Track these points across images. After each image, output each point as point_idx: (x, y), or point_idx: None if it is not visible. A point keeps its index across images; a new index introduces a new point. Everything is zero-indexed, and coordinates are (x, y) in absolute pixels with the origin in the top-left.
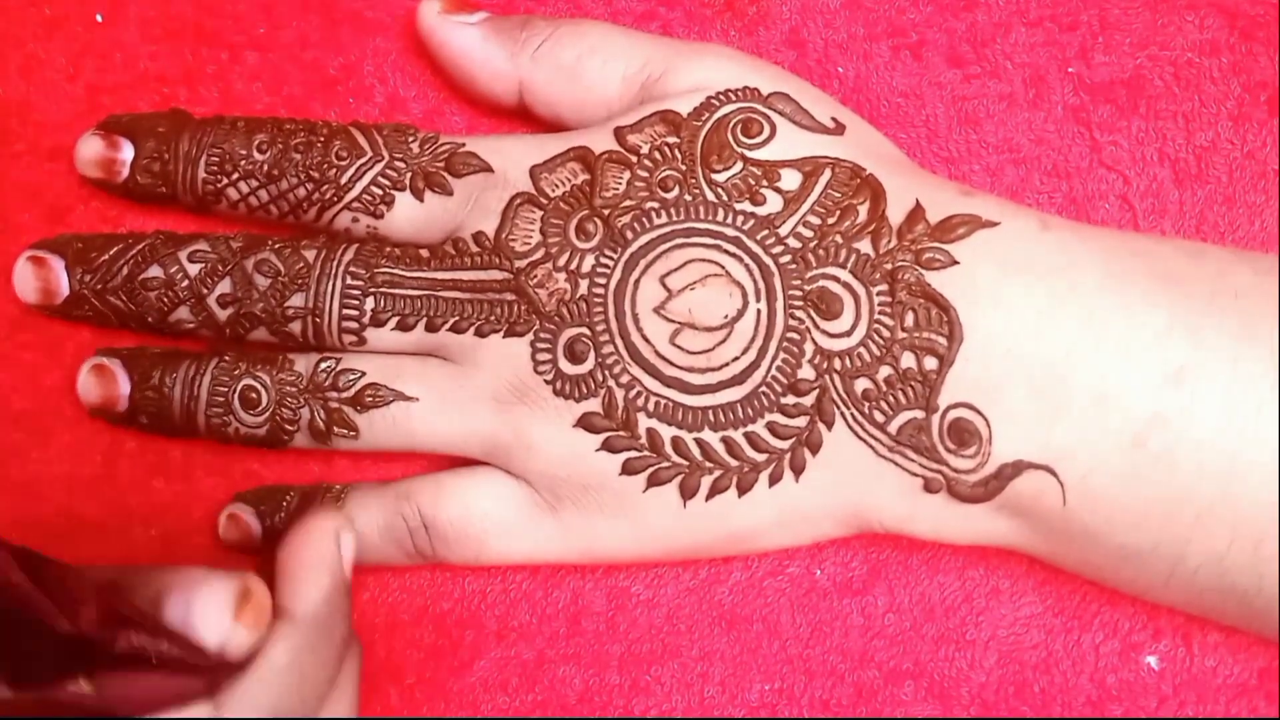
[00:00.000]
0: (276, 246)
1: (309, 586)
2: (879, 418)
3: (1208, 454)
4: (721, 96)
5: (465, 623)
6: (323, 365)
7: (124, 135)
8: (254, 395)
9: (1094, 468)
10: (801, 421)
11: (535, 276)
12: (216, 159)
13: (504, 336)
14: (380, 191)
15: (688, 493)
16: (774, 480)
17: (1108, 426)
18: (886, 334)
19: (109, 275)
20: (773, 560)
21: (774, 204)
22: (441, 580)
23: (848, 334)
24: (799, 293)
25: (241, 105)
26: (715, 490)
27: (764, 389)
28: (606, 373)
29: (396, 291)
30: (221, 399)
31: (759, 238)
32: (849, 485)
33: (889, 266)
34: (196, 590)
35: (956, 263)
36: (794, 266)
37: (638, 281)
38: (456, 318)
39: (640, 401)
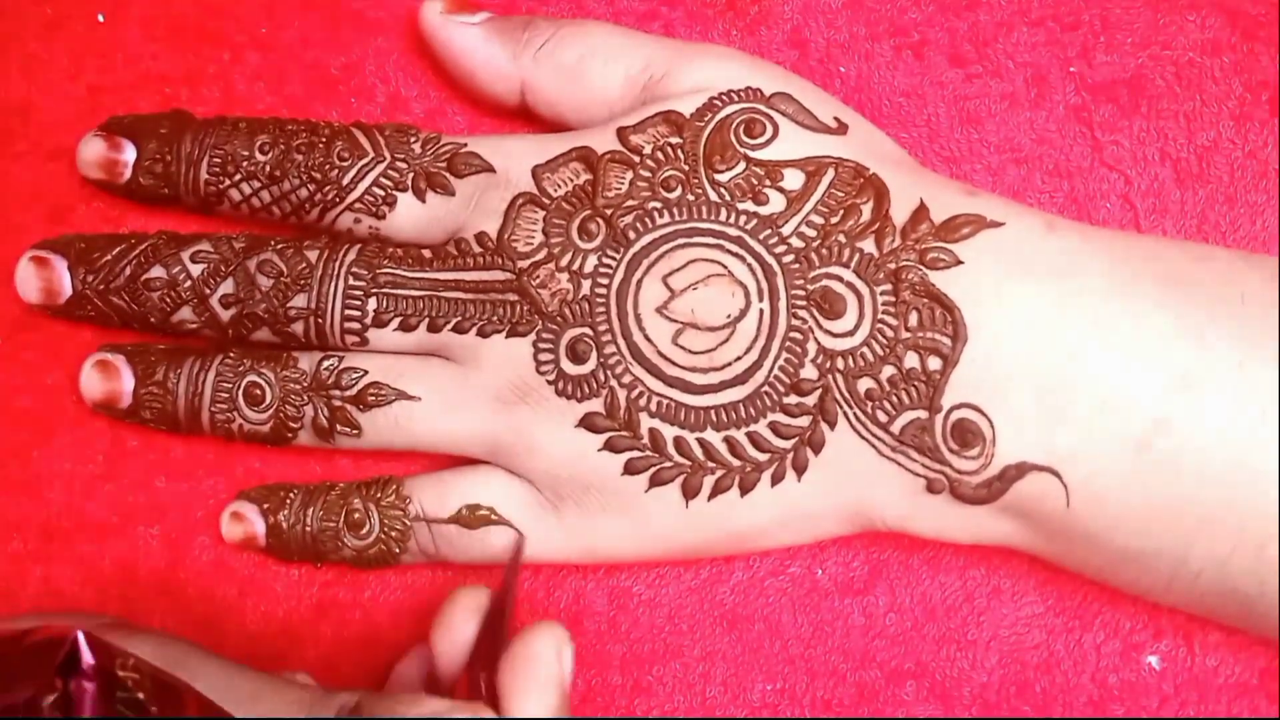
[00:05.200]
0: (279, 247)
1: (539, 706)
2: (882, 418)
3: (1212, 459)
4: (724, 97)
5: None
6: (326, 363)
7: (126, 136)
8: (258, 392)
9: (1097, 471)
10: (804, 421)
11: (538, 277)
12: (219, 160)
13: (506, 337)
14: (382, 192)
15: (690, 492)
16: (776, 480)
17: (1112, 430)
18: (890, 334)
19: (112, 275)
20: (774, 560)
21: (777, 204)
22: (443, 580)
23: (851, 333)
24: (802, 292)
25: (243, 105)
26: (718, 490)
27: (766, 389)
28: (609, 373)
29: (399, 292)
30: (226, 395)
31: (762, 237)
32: (851, 485)
33: (893, 266)
34: None
35: (961, 262)
36: (797, 266)
37: (640, 281)
38: (459, 318)
39: (642, 401)
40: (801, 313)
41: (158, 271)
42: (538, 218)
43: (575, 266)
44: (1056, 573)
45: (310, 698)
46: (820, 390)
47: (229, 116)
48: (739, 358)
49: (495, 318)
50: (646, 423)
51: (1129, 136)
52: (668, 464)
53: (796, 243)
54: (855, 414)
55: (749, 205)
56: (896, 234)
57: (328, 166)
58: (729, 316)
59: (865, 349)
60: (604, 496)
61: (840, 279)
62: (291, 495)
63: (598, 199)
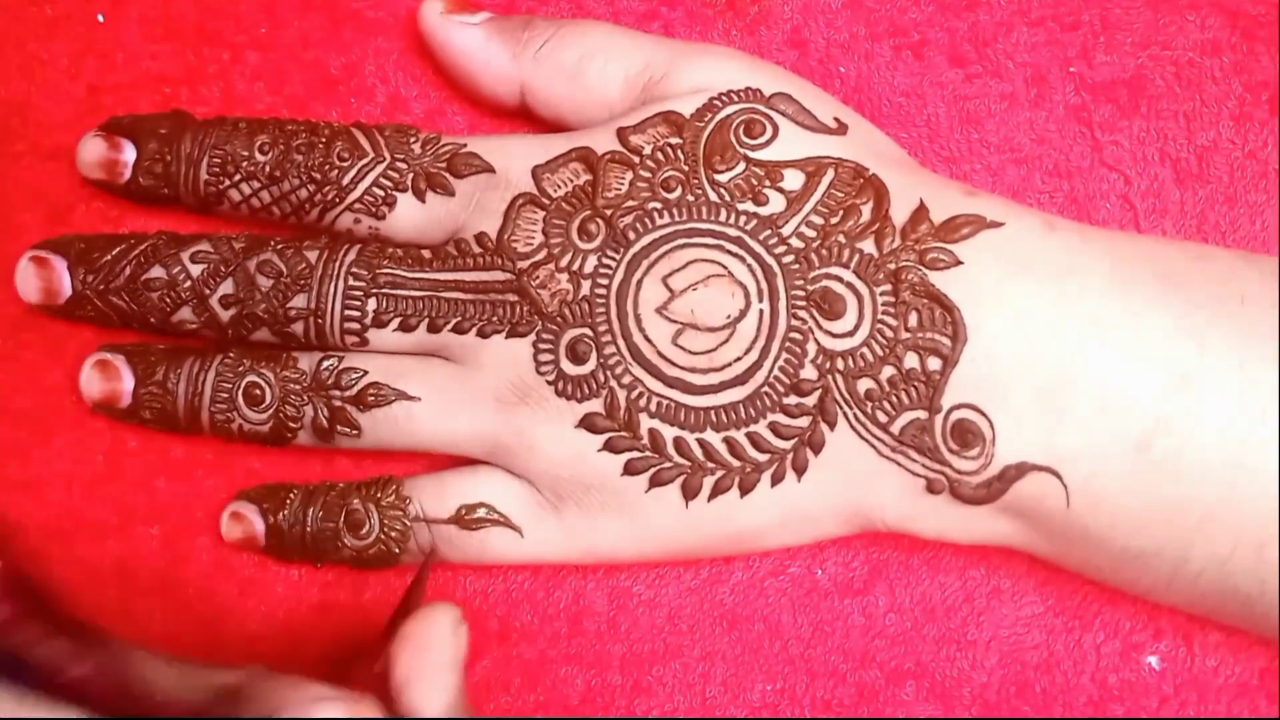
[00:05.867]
0: (279, 247)
1: (437, 690)
2: (882, 418)
3: (1212, 459)
4: (724, 97)
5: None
6: (325, 364)
7: (126, 136)
8: (258, 392)
9: (1097, 471)
10: (804, 421)
11: (537, 277)
12: (218, 160)
13: (506, 337)
14: (382, 192)
15: (690, 493)
16: (776, 480)
17: (1112, 430)
18: (890, 334)
19: (111, 275)
20: (774, 560)
21: (777, 204)
22: (443, 580)
23: (851, 334)
24: (802, 293)
25: (243, 105)
26: (717, 490)
27: (766, 389)
28: (609, 373)
29: (399, 292)
30: (226, 395)
31: (761, 238)
32: (851, 485)
33: (892, 266)
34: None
35: (960, 263)
36: (797, 266)
37: (640, 282)
38: (459, 318)
39: (642, 402)
40: (801, 313)
41: (157, 271)
42: (537, 218)
43: (575, 267)
44: (1056, 573)
45: (184, 672)
46: (820, 391)
47: (229, 116)
48: (739, 358)
49: (495, 318)
50: (646, 423)
51: (1129, 136)
52: (667, 464)
53: (796, 243)
54: (855, 414)
55: (749, 206)
56: (896, 234)
57: (328, 167)
58: (729, 317)
59: (865, 349)
60: (604, 497)
61: (840, 279)
62: (291, 495)
63: (598, 199)
